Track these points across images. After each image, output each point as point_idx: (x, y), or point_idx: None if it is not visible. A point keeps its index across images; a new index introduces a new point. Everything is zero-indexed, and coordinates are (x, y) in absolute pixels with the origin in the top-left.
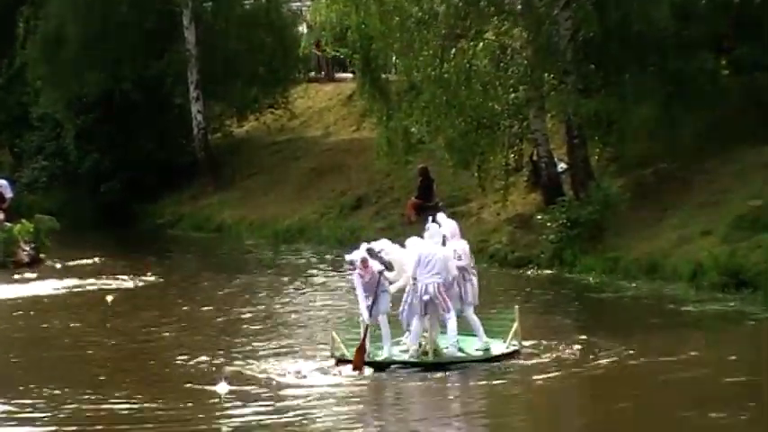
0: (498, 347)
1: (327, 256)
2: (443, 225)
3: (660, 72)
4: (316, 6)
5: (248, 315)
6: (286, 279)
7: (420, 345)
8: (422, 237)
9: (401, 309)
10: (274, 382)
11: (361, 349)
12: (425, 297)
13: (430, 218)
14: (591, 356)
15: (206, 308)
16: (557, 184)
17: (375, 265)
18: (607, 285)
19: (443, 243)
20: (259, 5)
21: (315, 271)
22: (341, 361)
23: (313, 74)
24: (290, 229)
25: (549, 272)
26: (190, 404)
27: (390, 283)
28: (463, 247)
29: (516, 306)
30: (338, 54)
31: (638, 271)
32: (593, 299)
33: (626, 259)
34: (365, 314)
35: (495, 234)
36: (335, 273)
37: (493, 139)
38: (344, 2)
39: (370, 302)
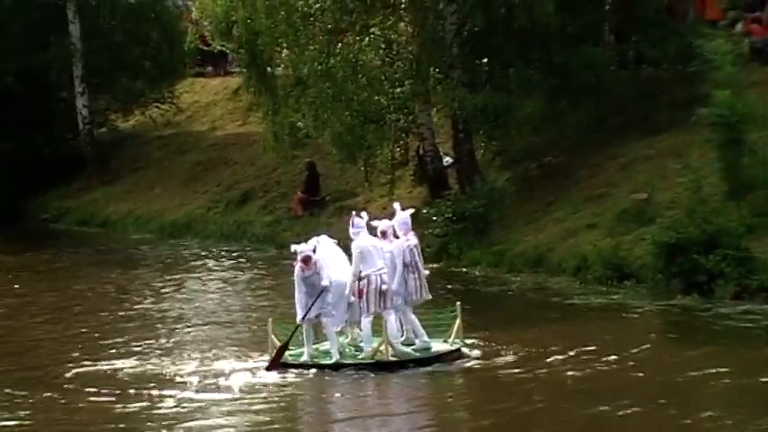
0: (438, 346)
1: (217, 251)
2: (396, 215)
3: (545, 66)
4: (202, 1)
5: (146, 313)
6: (173, 275)
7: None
8: (323, 234)
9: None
10: (207, 384)
11: (283, 349)
12: (384, 287)
13: (353, 213)
14: (487, 355)
15: (96, 306)
16: (442, 178)
17: (327, 255)
18: (493, 279)
19: (395, 236)
20: None
21: (206, 265)
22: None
23: (210, 69)
24: (177, 223)
25: (435, 265)
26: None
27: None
28: (414, 240)
29: (458, 303)
30: (225, 48)
31: (523, 264)
32: (480, 293)
33: (511, 252)
34: (299, 313)
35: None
36: (227, 267)
37: (379, 134)
38: None
39: (308, 300)
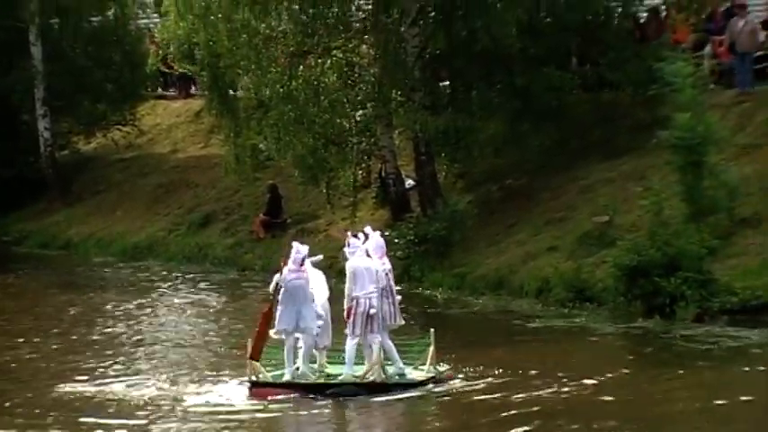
0: (413, 374)
1: (179, 273)
2: (371, 239)
3: (507, 89)
4: (164, 23)
5: (110, 337)
6: (136, 298)
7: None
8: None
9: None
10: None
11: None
12: (372, 311)
13: (349, 233)
14: (459, 379)
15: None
16: (405, 201)
17: (309, 271)
18: (455, 301)
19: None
20: (107, 22)
21: (169, 288)
22: (257, 384)
23: (172, 91)
24: (139, 245)
25: (397, 288)
26: None
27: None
28: (388, 265)
29: (432, 329)
30: (187, 71)
31: (485, 287)
32: (442, 315)
33: (473, 275)
34: (273, 284)
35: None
36: (190, 290)
37: (341, 156)
38: (193, 19)
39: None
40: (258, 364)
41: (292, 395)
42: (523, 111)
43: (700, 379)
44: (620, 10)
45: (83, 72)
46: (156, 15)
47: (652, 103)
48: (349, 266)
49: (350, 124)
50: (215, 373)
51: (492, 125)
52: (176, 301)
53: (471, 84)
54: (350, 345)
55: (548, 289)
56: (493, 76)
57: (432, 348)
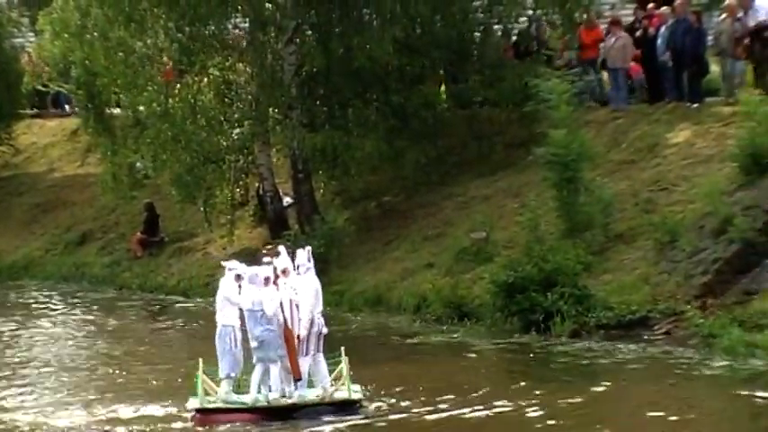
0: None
1: (56, 293)
2: (282, 258)
3: (383, 106)
4: (40, 42)
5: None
6: (14, 318)
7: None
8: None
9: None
10: None
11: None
12: (325, 330)
13: (308, 248)
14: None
15: None
16: (282, 219)
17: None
18: (333, 318)
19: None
20: None
21: (47, 308)
22: (201, 411)
23: (61, 110)
24: (15, 265)
25: None
26: None
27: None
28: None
29: (342, 347)
30: (62, 89)
31: (363, 304)
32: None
33: (351, 292)
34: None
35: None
36: (68, 310)
37: (219, 174)
38: (68, 38)
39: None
40: (211, 382)
41: (248, 419)
42: (400, 128)
43: (575, 393)
44: (495, 26)
45: None
46: (31, 34)
47: (528, 120)
48: (313, 285)
49: (227, 142)
50: (99, 397)
51: (369, 142)
52: (55, 320)
53: (348, 101)
54: (305, 364)
55: (425, 305)
56: (369, 93)
57: (343, 365)
